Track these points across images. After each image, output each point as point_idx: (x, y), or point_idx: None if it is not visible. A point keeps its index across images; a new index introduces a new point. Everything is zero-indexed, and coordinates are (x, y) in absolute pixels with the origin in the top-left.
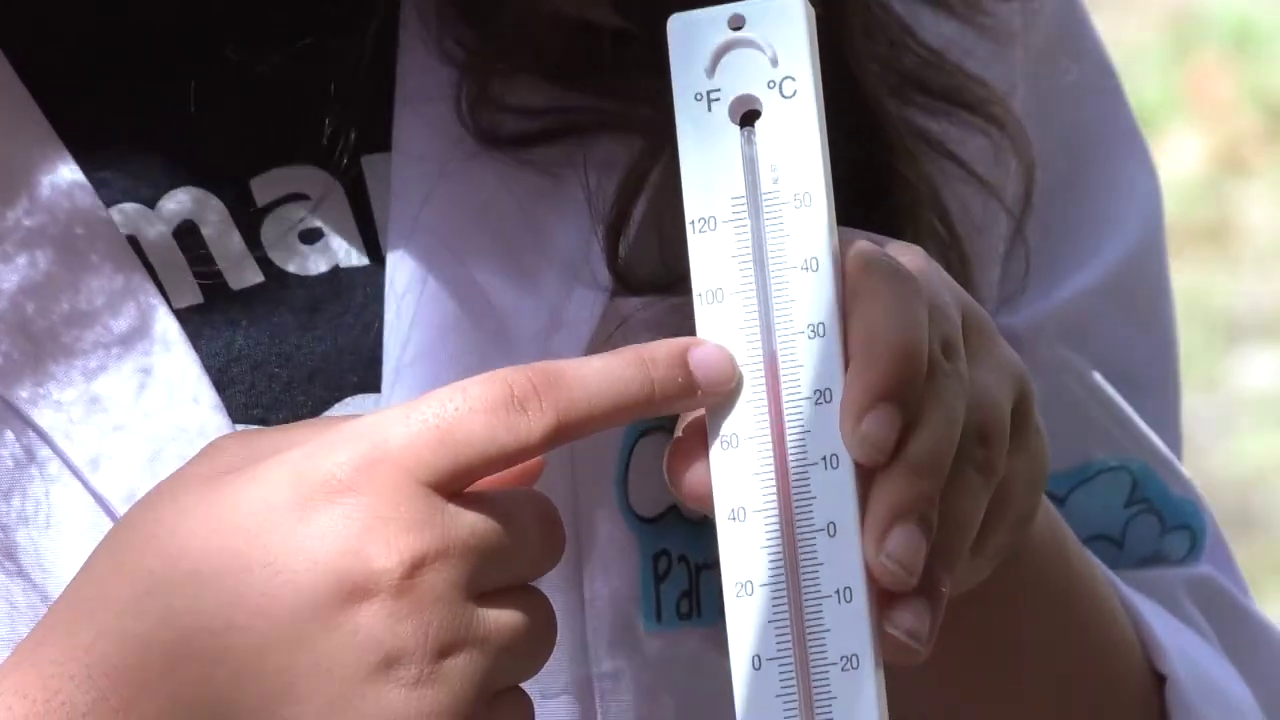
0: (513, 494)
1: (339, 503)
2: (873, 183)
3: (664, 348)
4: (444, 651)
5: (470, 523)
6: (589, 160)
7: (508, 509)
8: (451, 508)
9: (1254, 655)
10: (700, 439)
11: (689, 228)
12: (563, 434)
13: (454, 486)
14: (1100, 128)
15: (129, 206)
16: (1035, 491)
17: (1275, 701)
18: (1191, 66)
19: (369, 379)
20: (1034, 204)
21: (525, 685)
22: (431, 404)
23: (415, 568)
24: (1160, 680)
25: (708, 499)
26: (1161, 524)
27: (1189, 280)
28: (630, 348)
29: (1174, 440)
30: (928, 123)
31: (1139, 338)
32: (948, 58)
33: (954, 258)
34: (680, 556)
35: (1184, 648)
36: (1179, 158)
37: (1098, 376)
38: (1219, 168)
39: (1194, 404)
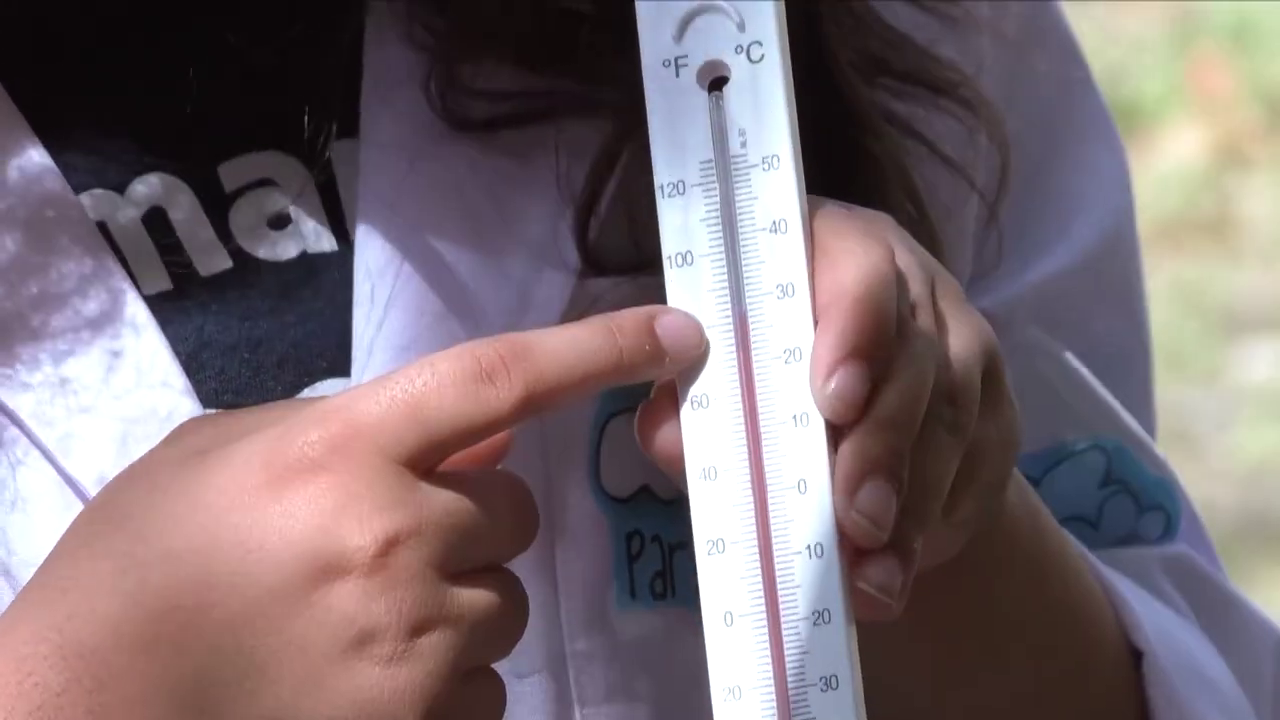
0: (486, 474)
1: (312, 482)
2: (843, 162)
3: (630, 316)
4: (417, 629)
5: (444, 501)
6: (558, 143)
7: (481, 489)
8: (425, 486)
9: (1231, 632)
10: (671, 401)
11: (658, 192)
12: (532, 405)
13: (426, 463)
14: (1069, 112)
15: (98, 192)
16: (1007, 458)
17: (1253, 678)
18: (1191, 60)
19: (339, 363)
20: (1008, 184)
21: (499, 665)
22: (400, 380)
23: (389, 545)
24: (1137, 656)
25: (678, 460)
26: (1137, 505)
27: (1189, 273)
28: (597, 317)
29: (1148, 421)
30: (894, 104)
31: (1112, 319)
32: (915, 42)
33: (924, 237)
34: (653, 537)
35: (1161, 624)
36: (1179, 151)
37: (1071, 358)
38: (1219, 161)
39: (1194, 397)
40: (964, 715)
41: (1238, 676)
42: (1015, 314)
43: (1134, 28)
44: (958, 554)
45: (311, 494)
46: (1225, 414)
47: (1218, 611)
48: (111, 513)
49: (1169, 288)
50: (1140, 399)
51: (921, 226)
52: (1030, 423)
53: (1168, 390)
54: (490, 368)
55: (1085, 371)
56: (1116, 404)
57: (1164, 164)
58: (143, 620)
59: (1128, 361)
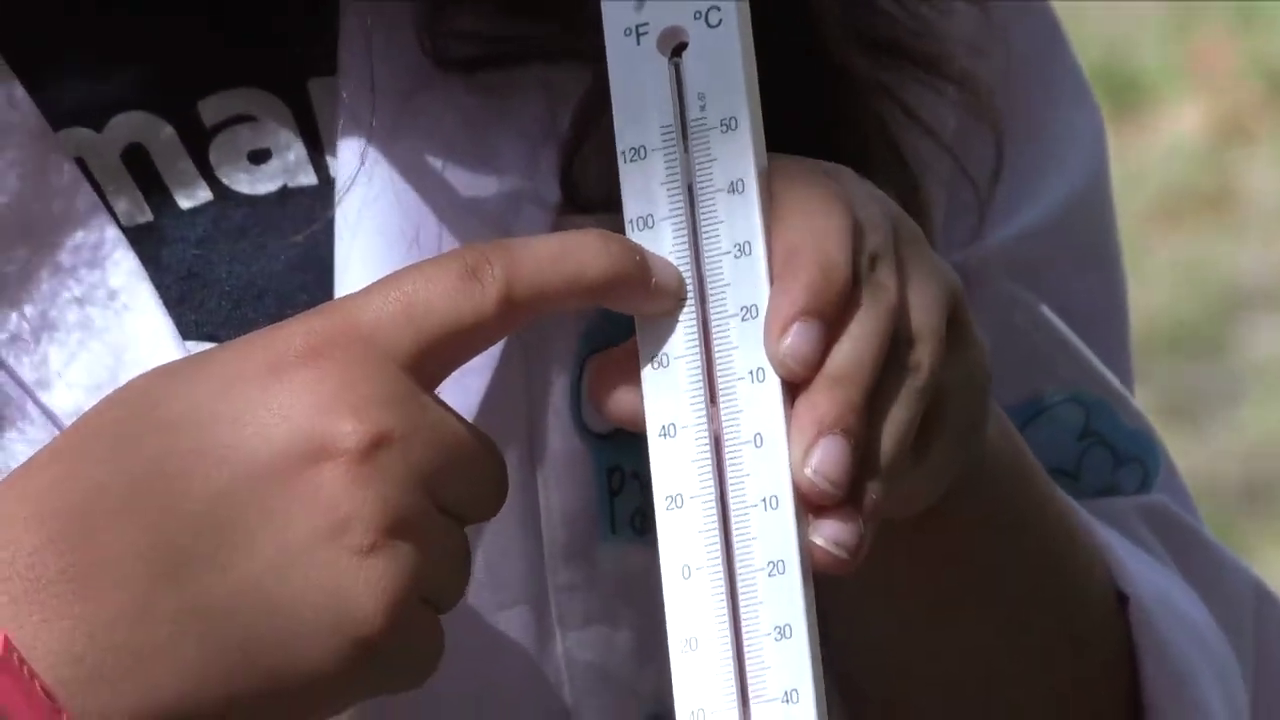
0: (480, 431)
1: (314, 366)
2: (828, 119)
3: (621, 236)
4: (396, 529)
5: (437, 418)
6: (539, 84)
7: (472, 432)
8: (423, 396)
9: (1211, 579)
10: (626, 362)
11: (620, 158)
12: (515, 302)
13: (424, 370)
14: (1041, 71)
15: (76, 130)
16: (977, 400)
17: (1233, 625)
18: (1193, 34)
19: (318, 297)
20: (1002, 161)
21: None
22: (393, 281)
23: (381, 438)
24: (1122, 601)
25: (635, 419)
26: (1115, 457)
27: (1193, 249)
28: (589, 228)
29: (1125, 377)
30: (881, 74)
31: (1087, 275)
32: (905, 20)
33: (905, 188)
34: (633, 473)
35: (1143, 570)
36: (1181, 126)
37: (1046, 311)
38: (1221, 136)
39: (1198, 373)
40: (949, 660)
41: (1218, 624)
42: (990, 268)
43: (1136, 3)
44: (942, 500)
45: (311, 377)
46: (1229, 390)
47: (1197, 559)
48: (115, 395)
49: (1171, 264)
50: (1116, 355)
51: (903, 179)
52: (1007, 376)
53: (1171, 367)
54: (474, 264)
55: (1062, 325)
56: (1094, 357)
57: (1166, 139)
58: (127, 484)
59: (1102, 318)
